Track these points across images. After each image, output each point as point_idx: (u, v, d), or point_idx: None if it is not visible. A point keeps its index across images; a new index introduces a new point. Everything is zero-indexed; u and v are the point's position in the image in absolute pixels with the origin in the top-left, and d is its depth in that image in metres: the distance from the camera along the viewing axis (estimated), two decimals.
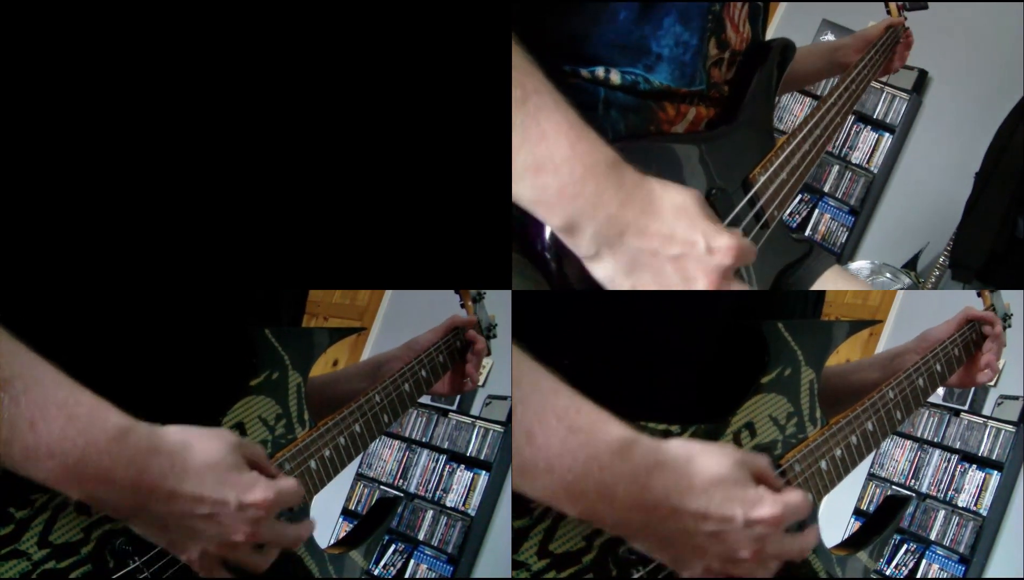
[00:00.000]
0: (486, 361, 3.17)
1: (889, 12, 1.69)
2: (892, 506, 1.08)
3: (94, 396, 0.83)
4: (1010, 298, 1.30)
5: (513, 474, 0.81)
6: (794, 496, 0.84)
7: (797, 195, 1.16)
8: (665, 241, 0.89)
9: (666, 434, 0.86)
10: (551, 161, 0.86)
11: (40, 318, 0.92)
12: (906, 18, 1.61)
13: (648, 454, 0.80)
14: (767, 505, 0.81)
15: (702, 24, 1.06)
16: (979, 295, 1.26)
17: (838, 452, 0.94)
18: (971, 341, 1.20)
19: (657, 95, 1.06)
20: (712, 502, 0.80)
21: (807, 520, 0.89)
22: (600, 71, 1.03)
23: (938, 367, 1.13)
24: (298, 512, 0.97)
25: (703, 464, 0.81)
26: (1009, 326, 1.25)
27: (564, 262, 0.95)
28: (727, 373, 0.92)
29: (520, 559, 0.85)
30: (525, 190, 0.87)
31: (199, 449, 0.85)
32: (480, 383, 3.05)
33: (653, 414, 0.86)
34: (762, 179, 1.09)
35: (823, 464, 0.93)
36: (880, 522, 1.05)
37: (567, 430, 0.78)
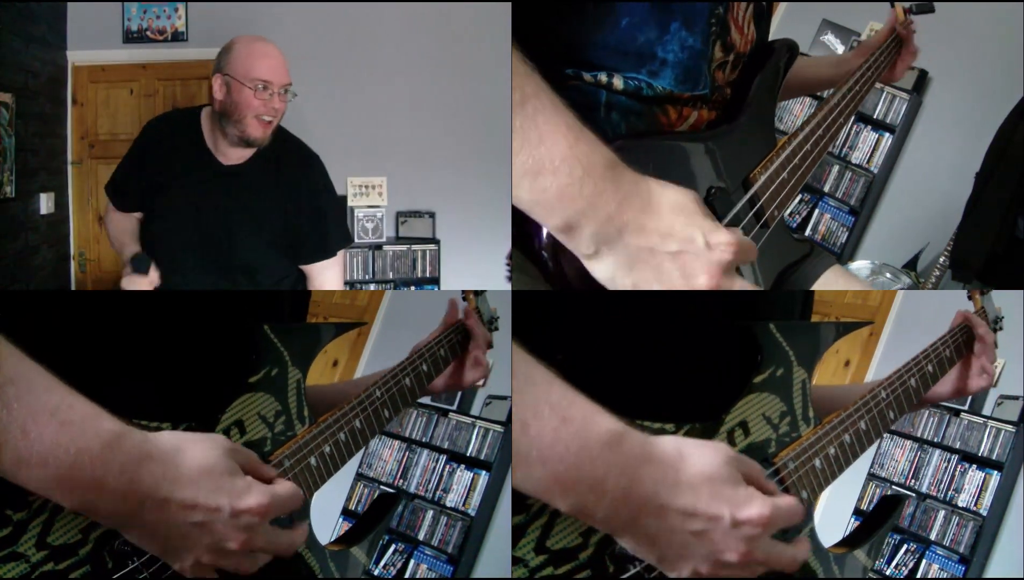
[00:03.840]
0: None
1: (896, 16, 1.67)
2: (889, 505, 1.08)
3: (87, 401, 0.82)
4: (1011, 298, 1.29)
5: (512, 466, 0.82)
6: (785, 500, 0.83)
7: (798, 195, 1.16)
8: (663, 238, 0.89)
9: (660, 433, 0.86)
10: (550, 163, 0.86)
11: (40, 316, 0.92)
12: (912, 21, 1.60)
13: (638, 447, 0.80)
14: (756, 505, 0.80)
15: (706, 28, 1.06)
16: (969, 298, 1.25)
17: (832, 450, 0.95)
18: (962, 343, 1.19)
19: (660, 100, 1.06)
20: (700, 499, 0.79)
21: (799, 528, 0.88)
22: (603, 76, 1.03)
23: (930, 367, 1.13)
24: (297, 512, 0.97)
25: (693, 461, 0.81)
26: (1000, 329, 1.24)
27: (562, 261, 0.95)
28: (720, 373, 0.92)
29: (518, 555, 0.85)
30: (524, 193, 0.87)
31: (192, 454, 0.84)
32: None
33: (648, 412, 0.86)
34: (762, 178, 1.09)
35: (817, 462, 0.93)
36: (877, 520, 1.06)
37: (560, 420, 0.79)
